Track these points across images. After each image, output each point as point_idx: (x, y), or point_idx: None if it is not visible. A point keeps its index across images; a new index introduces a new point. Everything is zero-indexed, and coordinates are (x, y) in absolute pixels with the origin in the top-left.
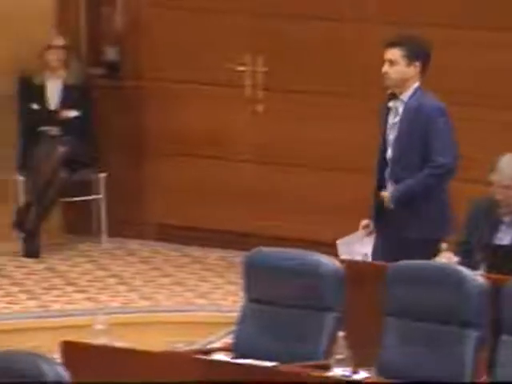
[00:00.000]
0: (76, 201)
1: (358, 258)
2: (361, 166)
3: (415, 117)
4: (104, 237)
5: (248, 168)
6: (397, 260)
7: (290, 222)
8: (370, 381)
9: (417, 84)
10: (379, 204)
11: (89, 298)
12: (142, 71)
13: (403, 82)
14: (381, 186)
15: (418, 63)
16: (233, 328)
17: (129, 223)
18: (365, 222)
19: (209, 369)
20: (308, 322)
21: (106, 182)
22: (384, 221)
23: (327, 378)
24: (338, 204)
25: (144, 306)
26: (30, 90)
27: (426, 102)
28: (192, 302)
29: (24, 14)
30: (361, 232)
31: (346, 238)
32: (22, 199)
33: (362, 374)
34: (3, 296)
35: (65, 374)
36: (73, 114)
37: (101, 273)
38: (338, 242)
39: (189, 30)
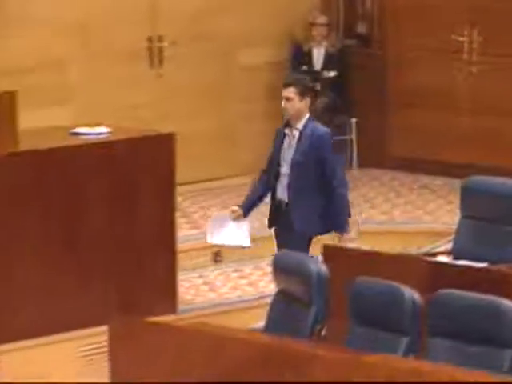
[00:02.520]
0: (334, 140)
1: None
2: None
3: (310, 142)
4: (355, 167)
5: (465, 115)
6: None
7: (501, 156)
8: None
9: (307, 115)
10: (275, 206)
11: None
12: (386, 42)
13: (299, 114)
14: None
15: (307, 99)
16: (452, 237)
17: (373, 156)
18: (234, 207)
19: (433, 268)
20: None
21: (357, 126)
22: (280, 220)
23: None
24: None
25: (383, 219)
26: (300, 55)
27: (317, 130)
28: (420, 217)
29: None
30: (229, 215)
31: (218, 216)
32: None
33: None
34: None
35: (325, 270)
36: (332, 74)
37: (352, 194)
38: (211, 218)
39: (422, 10)
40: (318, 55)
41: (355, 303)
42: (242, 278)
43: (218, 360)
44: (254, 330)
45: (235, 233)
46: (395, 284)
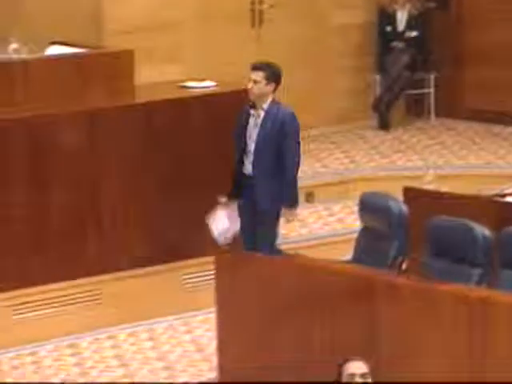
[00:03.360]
0: (414, 93)
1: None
2: None
3: (274, 120)
4: (432, 117)
5: None
6: (254, 226)
7: None
8: None
9: (271, 98)
10: (239, 182)
11: (421, 158)
12: (462, 5)
13: (263, 96)
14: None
15: (273, 84)
16: None
17: (450, 108)
18: (221, 199)
19: (503, 207)
20: None
21: (435, 80)
22: (245, 195)
23: None
24: None
25: (459, 164)
26: (385, 17)
27: (281, 110)
28: (492, 162)
29: None
30: (220, 208)
31: (214, 217)
32: (377, 90)
33: None
34: (364, 156)
35: (405, 209)
36: (414, 33)
37: (430, 141)
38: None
39: None
40: (402, 17)
41: (433, 239)
42: (331, 215)
43: (310, 287)
44: (341, 262)
45: (234, 220)
46: (469, 221)
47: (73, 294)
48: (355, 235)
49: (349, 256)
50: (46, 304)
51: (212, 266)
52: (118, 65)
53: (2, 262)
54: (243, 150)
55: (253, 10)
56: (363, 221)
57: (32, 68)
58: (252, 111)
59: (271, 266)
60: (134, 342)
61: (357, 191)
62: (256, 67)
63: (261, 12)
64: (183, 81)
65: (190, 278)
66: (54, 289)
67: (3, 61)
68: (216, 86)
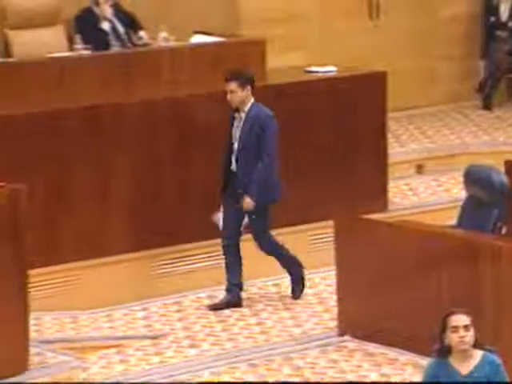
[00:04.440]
0: None
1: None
2: None
3: (253, 122)
4: None
5: None
6: (240, 222)
7: None
8: None
9: (252, 100)
10: (227, 180)
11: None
12: None
13: (243, 102)
14: (229, 164)
15: (248, 87)
16: None
17: None
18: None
19: None
20: None
21: None
22: (230, 193)
23: None
24: None
25: None
26: (490, 8)
27: (260, 112)
28: None
29: None
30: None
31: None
32: (482, 75)
33: None
34: (469, 133)
35: (506, 180)
36: None
37: None
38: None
39: None
40: (505, 8)
41: None
42: (439, 185)
43: (420, 249)
44: (447, 226)
45: None
46: None
47: (211, 252)
48: (459, 203)
49: (453, 222)
50: (190, 259)
51: (331, 229)
52: (252, 51)
53: (153, 227)
54: (231, 150)
55: (370, 3)
56: (467, 190)
57: (177, 54)
58: (236, 114)
59: (385, 230)
60: (263, 295)
61: (462, 164)
62: (228, 79)
63: (377, 5)
64: (308, 66)
65: (315, 240)
66: (197, 247)
67: (154, 48)
68: (337, 70)
